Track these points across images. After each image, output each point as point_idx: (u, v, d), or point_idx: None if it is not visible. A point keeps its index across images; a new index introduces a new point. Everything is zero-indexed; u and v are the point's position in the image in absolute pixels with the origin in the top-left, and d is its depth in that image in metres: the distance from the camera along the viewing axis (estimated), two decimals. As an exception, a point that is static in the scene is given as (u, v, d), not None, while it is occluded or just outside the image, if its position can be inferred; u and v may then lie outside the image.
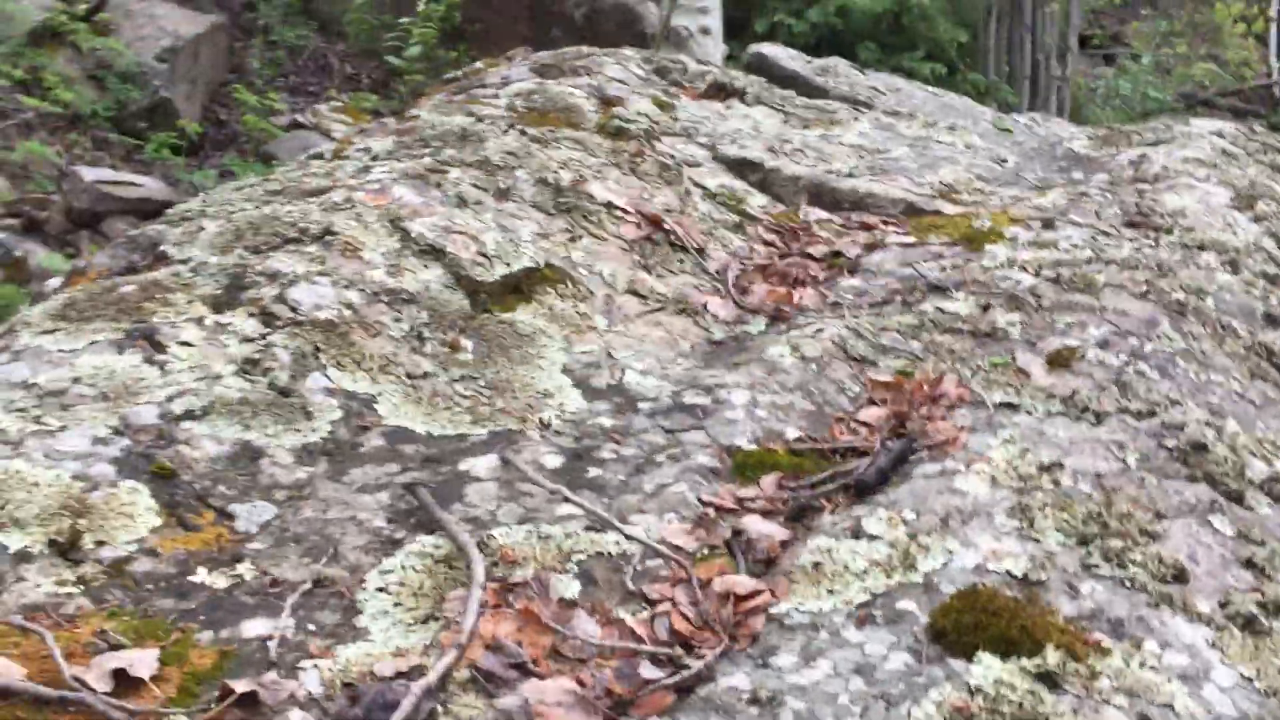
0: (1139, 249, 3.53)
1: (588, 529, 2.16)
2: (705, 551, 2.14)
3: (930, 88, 5.98)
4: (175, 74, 10.09)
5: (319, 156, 3.82)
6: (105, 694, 1.64)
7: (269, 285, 2.77)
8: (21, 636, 1.75)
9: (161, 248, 3.02)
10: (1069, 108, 14.70)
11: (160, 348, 2.54)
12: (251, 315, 2.68)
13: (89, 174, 8.64)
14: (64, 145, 9.21)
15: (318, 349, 2.62)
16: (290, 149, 10.29)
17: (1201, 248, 3.56)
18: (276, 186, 3.38)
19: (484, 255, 3.13)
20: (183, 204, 3.40)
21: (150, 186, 8.96)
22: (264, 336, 2.61)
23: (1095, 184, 4.34)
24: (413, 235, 3.09)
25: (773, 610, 1.92)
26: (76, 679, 1.64)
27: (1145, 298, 3.13)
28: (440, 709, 1.67)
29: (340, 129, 10.45)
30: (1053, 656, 1.72)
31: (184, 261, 2.90)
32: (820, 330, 3.07)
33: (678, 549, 2.11)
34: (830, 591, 1.96)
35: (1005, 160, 4.80)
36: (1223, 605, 1.94)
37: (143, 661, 1.71)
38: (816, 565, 2.04)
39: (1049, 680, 1.70)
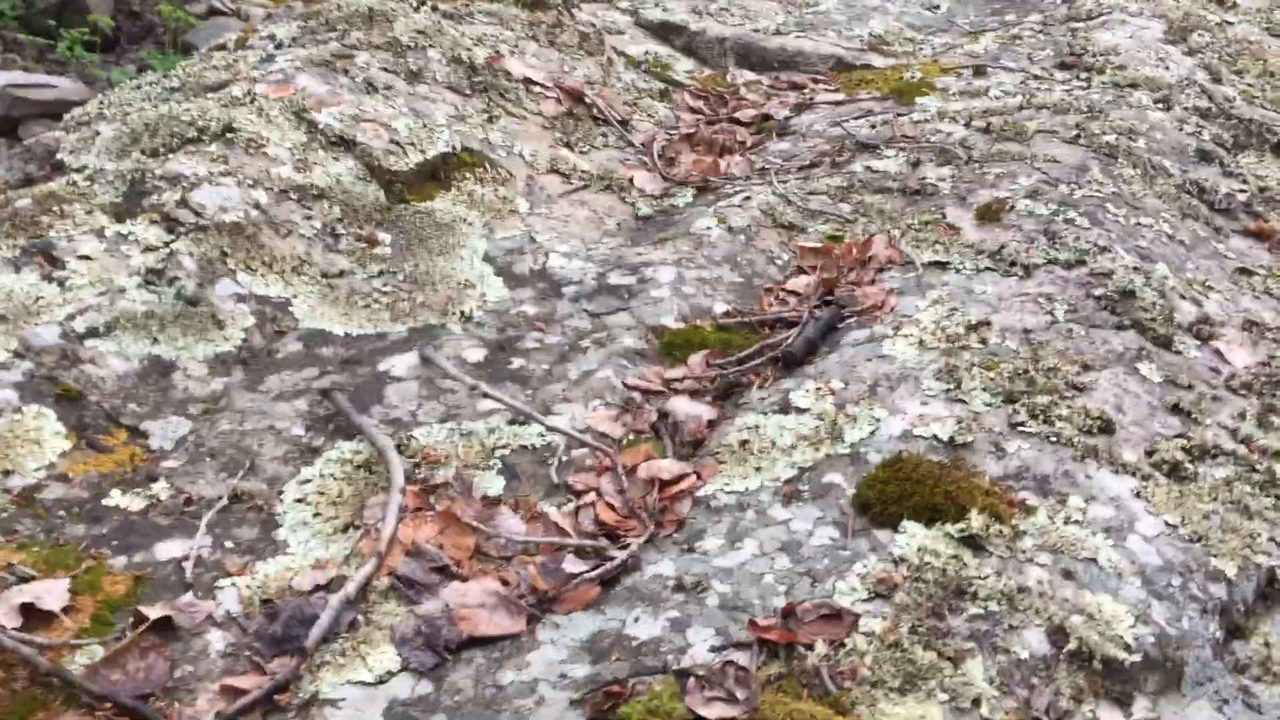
0: (1070, 91, 3.46)
1: (511, 423, 2.12)
2: (631, 437, 2.11)
3: (860, -67, 5.77)
4: (81, -35, 9.60)
5: (222, 48, 3.64)
6: (14, 629, 1.60)
7: (170, 190, 2.65)
8: (-74, 577, 1.70)
9: (58, 156, 2.88)
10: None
11: (59, 263, 2.43)
12: (153, 223, 2.57)
13: (0, 78, 8.29)
14: (-30, 49, 8.80)
15: (225, 253, 2.52)
16: (210, 37, 9.90)
17: (1134, 86, 3.49)
18: (176, 83, 3.22)
19: (397, 143, 3.01)
20: (79, 108, 3.24)
21: (65, 87, 8.61)
22: (167, 244, 2.51)
23: (1028, 26, 4.24)
24: (320, 127, 2.96)
25: (699, 493, 1.90)
26: (-17, 617, 1.60)
27: (1075, 143, 3.07)
28: (361, 619, 1.65)
29: (261, 12, 10.05)
30: (977, 520, 1.71)
31: (80, 170, 2.77)
32: (748, 199, 3.00)
33: (603, 437, 2.08)
34: (757, 469, 1.94)
35: (937, 6, 4.66)
36: (1149, 454, 1.94)
37: (52, 593, 1.66)
38: (744, 444, 2.01)
39: (973, 544, 1.69)
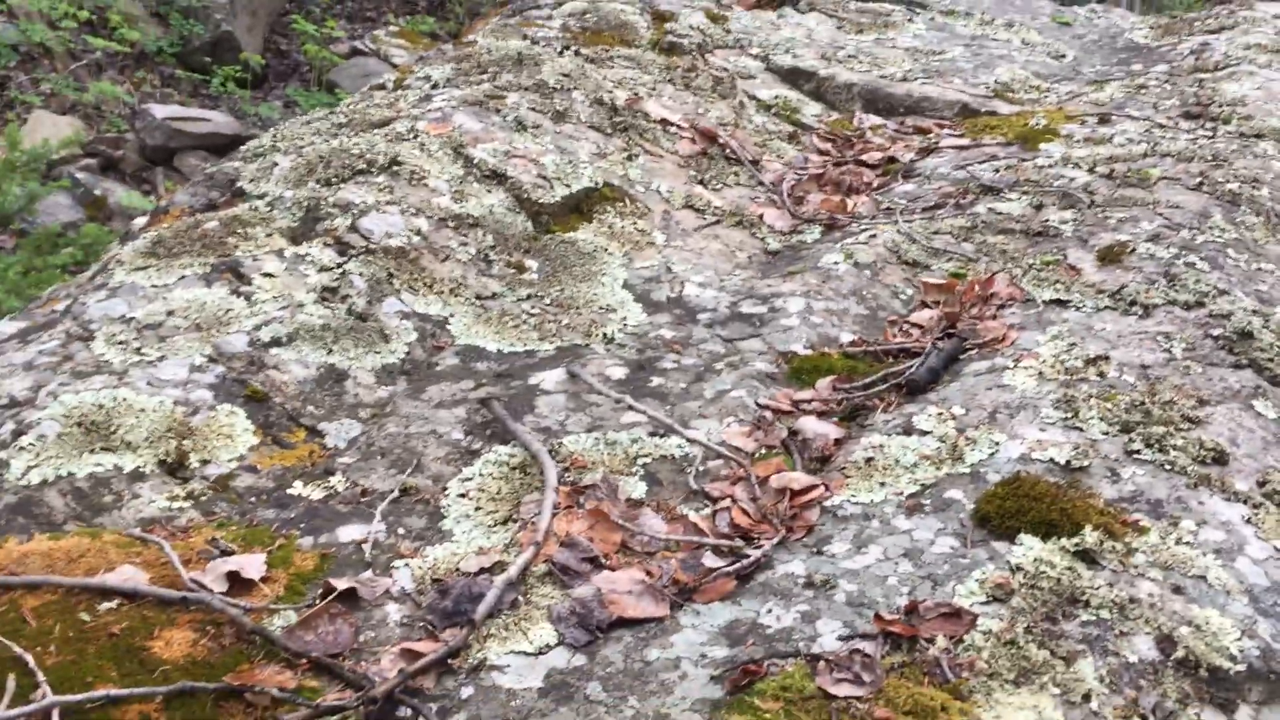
0: (1195, 140, 3.53)
1: (652, 434, 2.29)
2: (763, 451, 2.27)
3: (987, -17, 5.89)
4: (236, 7, 10.23)
5: (381, 87, 3.93)
6: (221, 594, 1.83)
7: (342, 216, 2.91)
8: (142, 546, 1.94)
9: (238, 184, 3.17)
10: (1140, -8, 14.25)
11: (245, 279, 2.70)
12: (327, 245, 2.82)
13: (160, 111, 8.86)
14: (133, 84, 9.44)
15: (391, 275, 2.76)
16: (352, 76, 10.42)
17: (1259, 136, 3.55)
18: (343, 119, 3.50)
19: (544, 177, 3.24)
20: (254, 140, 3.54)
21: (218, 120, 9.17)
22: (340, 265, 2.76)
23: (1154, 75, 4.31)
24: (475, 161, 3.21)
25: (827, 503, 2.05)
26: (195, 581, 1.83)
27: (1199, 190, 3.15)
28: (521, 599, 1.83)
29: (400, 53, 10.54)
30: (1091, 536, 1.83)
31: (260, 196, 3.05)
32: (874, 236, 3.15)
33: (737, 450, 2.24)
34: (882, 484, 2.08)
35: (1063, 55, 4.76)
36: (1260, 484, 2.02)
37: (252, 564, 1.88)
38: (869, 460, 2.15)
39: (1086, 557, 1.81)
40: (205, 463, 2.23)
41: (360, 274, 2.74)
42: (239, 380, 2.43)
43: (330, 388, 2.48)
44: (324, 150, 3.22)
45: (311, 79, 10.12)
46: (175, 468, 2.21)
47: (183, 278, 2.71)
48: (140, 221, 3.46)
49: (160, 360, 2.46)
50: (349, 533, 2.04)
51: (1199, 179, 3.19)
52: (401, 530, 2.06)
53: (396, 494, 2.14)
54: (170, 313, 2.60)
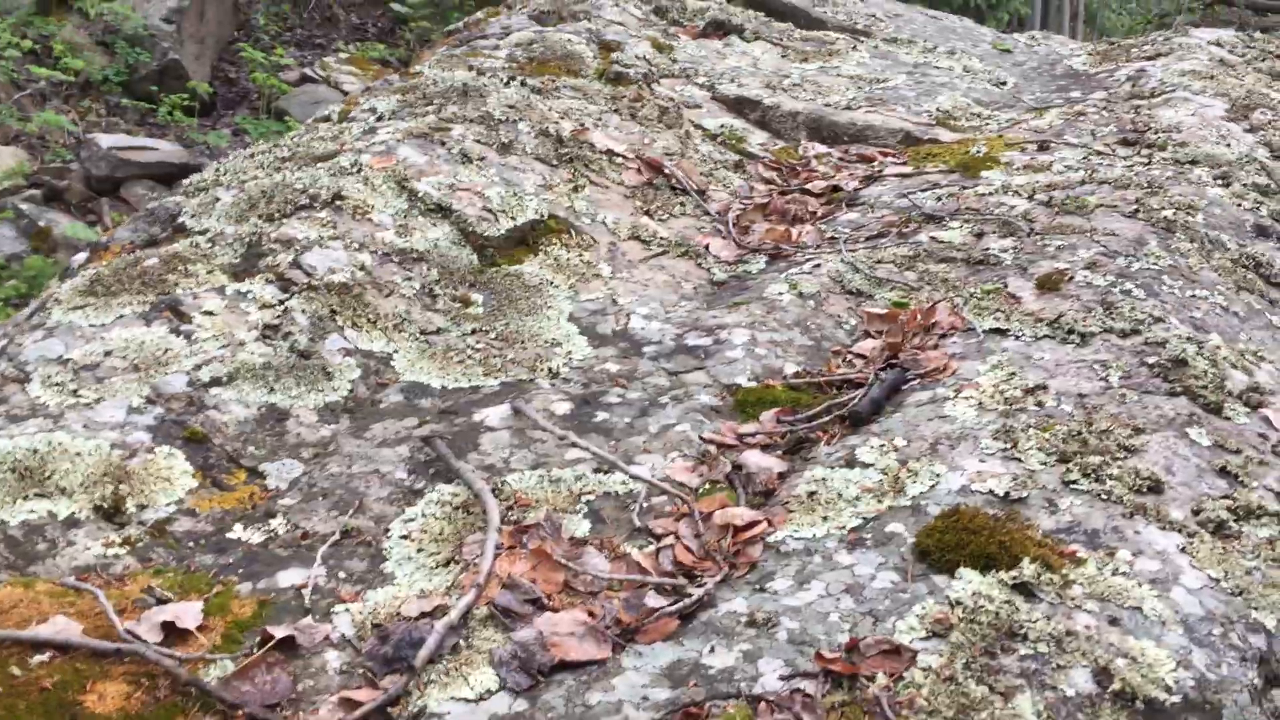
0: (1131, 167, 3.59)
1: (596, 471, 2.29)
2: (707, 486, 2.27)
3: (930, 11, 5.99)
4: (183, 35, 10.15)
5: (326, 119, 3.92)
6: (156, 644, 1.80)
7: (284, 252, 2.89)
8: (76, 596, 1.91)
9: (180, 219, 3.14)
10: (1083, 15, 14.52)
11: (185, 318, 2.67)
12: (269, 282, 2.80)
13: (105, 140, 8.76)
14: (78, 113, 9.33)
15: (334, 311, 2.74)
16: (302, 103, 10.37)
17: (1194, 162, 3.62)
18: (286, 152, 3.48)
19: (489, 210, 3.23)
20: (197, 175, 3.51)
21: (165, 150, 9.08)
22: (282, 302, 2.74)
23: (1092, 102, 4.39)
24: (419, 195, 3.20)
25: (770, 539, 2.05)
26: (129, 632, 1.80)
27: (1135, 217, 3.20)
28: (463, 643, 1.82)
29: (349, 80, 10.51)
30: (1029, 569, 1.84)
31: (202, 232, 3.02)
32: (818, 266, 3.17)
33: (681, 485, 2.24)
34: (824, 518, 2.09)
35: (1004, 82, 4.83)
36: (1195, 513, 2.05)
37: (188, 613, 1.86)
38: (811, 494, 2.16)
39: (1024, 590, 1.82)
40: (142, 507, 2.20)
41: (303, 311, 2.72)
42: (178, 421, 2.40)
43: (271, 427, 2.45)
44: (267, 185, 3.19)
45: (260, 106, 10.06)
46: (112, 513, 2.17)
47: (121, 316, 2.68)
48: (80, 258, 3.42)
49: (97, 402, 2.42)
50: (289, 577, 2.01)
51: (1135, 206, 3.24)
52: (343, 574, 2.04)
53: (338, 536, 2.12)
54: (108, 353, 2.56)
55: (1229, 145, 3.77)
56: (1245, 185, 3.49)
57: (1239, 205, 3.38)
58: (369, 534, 2.14)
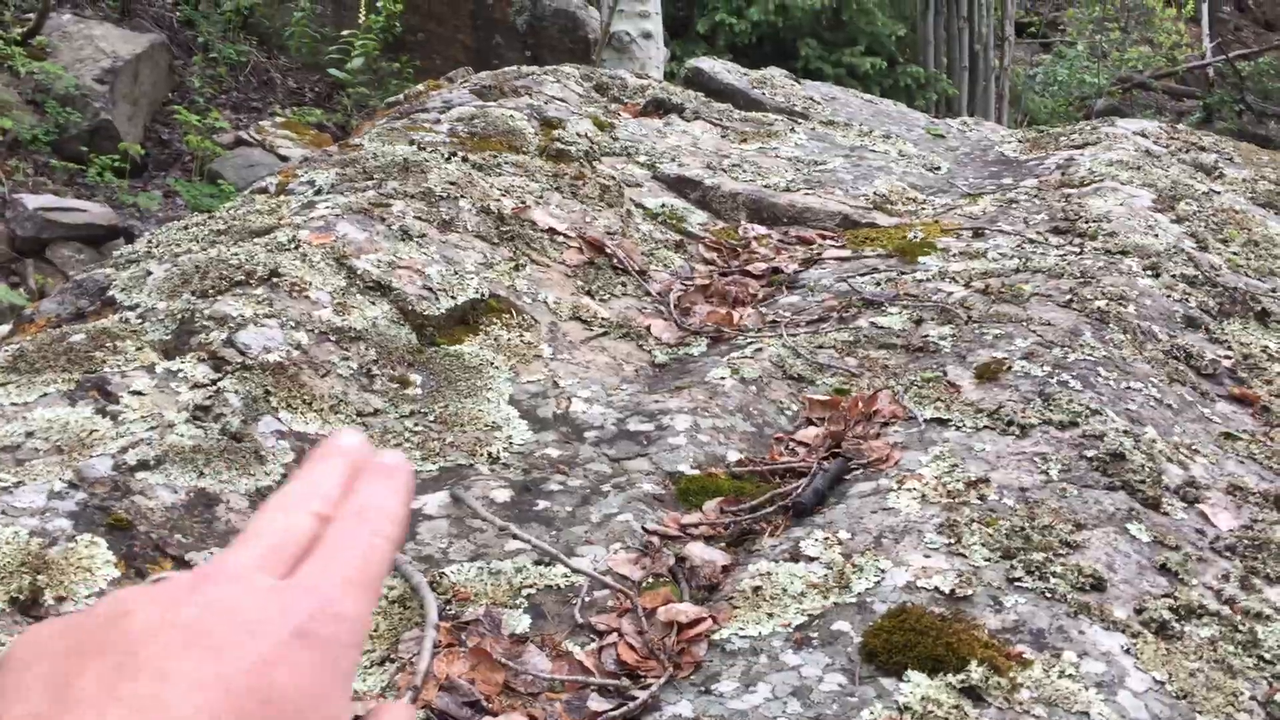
0: (1064, 256, 3.66)
1: (537, 563, 2.24)
2: (651, 580, 2.23)
3: (865, 95, 6.11)
4: (116, 95, 10.03)
5: (263, 190, 3.87)
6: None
7: (218, 329, 2.82)
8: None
9: (109, 293, 3.06)
10: (1008, 97, 14.95)
11: (112, 398, 2.58)
12: (201, 361, 2.73)
13: (32, 201, 8.58)
14: (4, 172, 9.14)
15: (268, 392, 2.68)
16: (236, 166, 10.27)
17: (1124, 253, 3.70)
18: (222, 225, 3.42)
19: (429, 289, 3.20)
20: (129, 246, 3.43)
21: (94, 211, 8.92)
22: (214, 382, 2.67)
23: (1024, 189, 4.48)
24: (358, 272, 3.15)
25: (715, 636, 2.02)
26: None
27: (1069, 306, 3.25)
28: (398, 751, 1.75)
29: (285, 144, 10.44)
30: (976, 672, 1.83)
31: (132, 308, 2.94)
32: (759, 350, 3.17)
33: (624, 579, 2.20)
34: (770, 615, 2.06)
35: (938, 167, 4.93)
36: (1138, 612, 2.06)
37: (108, 718, 1.77)
38: (757, 589, 2.13)
39: (973, 695, 1.81)
40: (61, 599, 2.10)
41: (235, 391, 2.65)
42: (101, 507, 2.31)
43: (200, 514, 2.37)
44: (201, 259, 3.13)
45: (194, 169, 9.94)
46: (29, 605, 2.07)
47: (45, 395, 2.59)
48: (2, 330, 3.31)
49: (17, 486, 2.32)
50: (215, 678, 1.93)
51: (1069, 296, 3.30)
52: (272, 673, 1.96)
53: (268, 632, 2.04)
54: (30, 434, 2.47)
55: (1157, 235, 3.86)
56: (1174, 276, 3.57)
57: (1168, 296, 3.45)
58: (301, 630, 2.06)
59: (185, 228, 3.50)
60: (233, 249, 3.17)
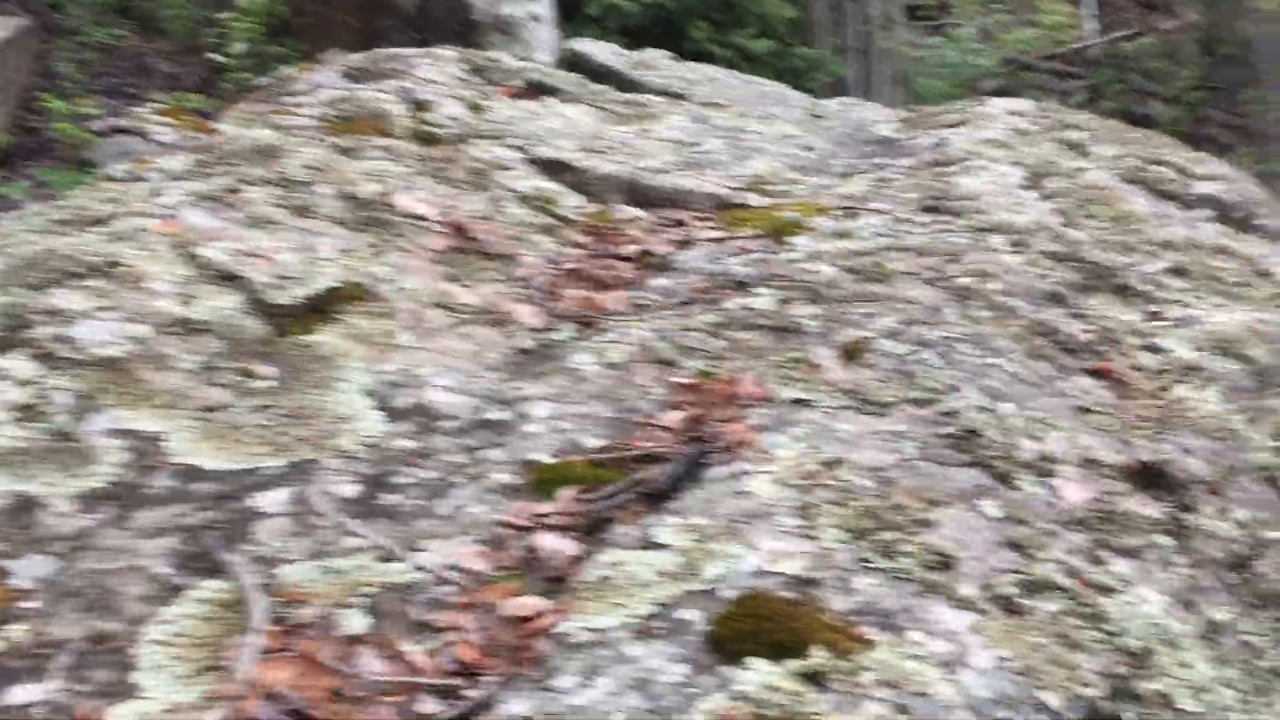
0: (933, 234, 3.66)
1: (379, 560, 2.16)
2: (499, 573, 2.16)
3: (745, 76, 6.09)
4: (-20, 82, 9.60)
5: (110, 178, 3.69)
6: None
7: (49, 324, 2.67)
8: None
9: (-64, 288, 2.88)
10: (898, 79, 15.13)
11: (-72, 399, 2.43)
12: (30, 357, 2.59)
13: (-112, 192, 8.17)
14: None
15: (101, 388, 2.54)
16: (112, 154, 9.90)
17: (992, 230, 3.71)
18: (63, 215, 3.25)
19: (282, 277, 3.08)
20: (-38, 239, 3.25)
21: (-42, 202, 8.52)
22: (42, 379, 2.53)
23: (898, 169, 4.49)
24: (205, 261, 3.02)
25: (558, 629, 1.95)
26: None
27: (934, 284, 3.25)
28: (213, 765, 1.66)
29: (164, 131, 10.10)
30: (818, 656, 1.79)
31: (-43, 303, 2.78)
32: (627, 334, 3.11)
33: (469, 573, 2.13)
34: (616, 605, 2.00)
35: (814, 148, 4.92)
36: (985, 589, 2.05)
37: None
38: (605, 579, 2.08)
39: (814, 680, 1.77)
40: None
41: (64, 389, 2.51)
42: (-90, 516, 2.17)
43: (21, 519, 2.24)
44: (34, 251, 2.97)
45: (65, 157, 9.56)
46: None
47: None
48: None
49: None
50: (21, 694, 1.81)
51: (934, 273, 3.30)
52: (85, 687, 1.85)
53: (85, 642, 1.93)
54: None
55: (1024, 213, 3.89)
56: (1039, 252, 3.59)
57: (1032, 272, 3.47)
58: (121, 638, 1.96)
59: (20, 218, 3.32)
60: (69, 238, 3.02)
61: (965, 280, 3.27)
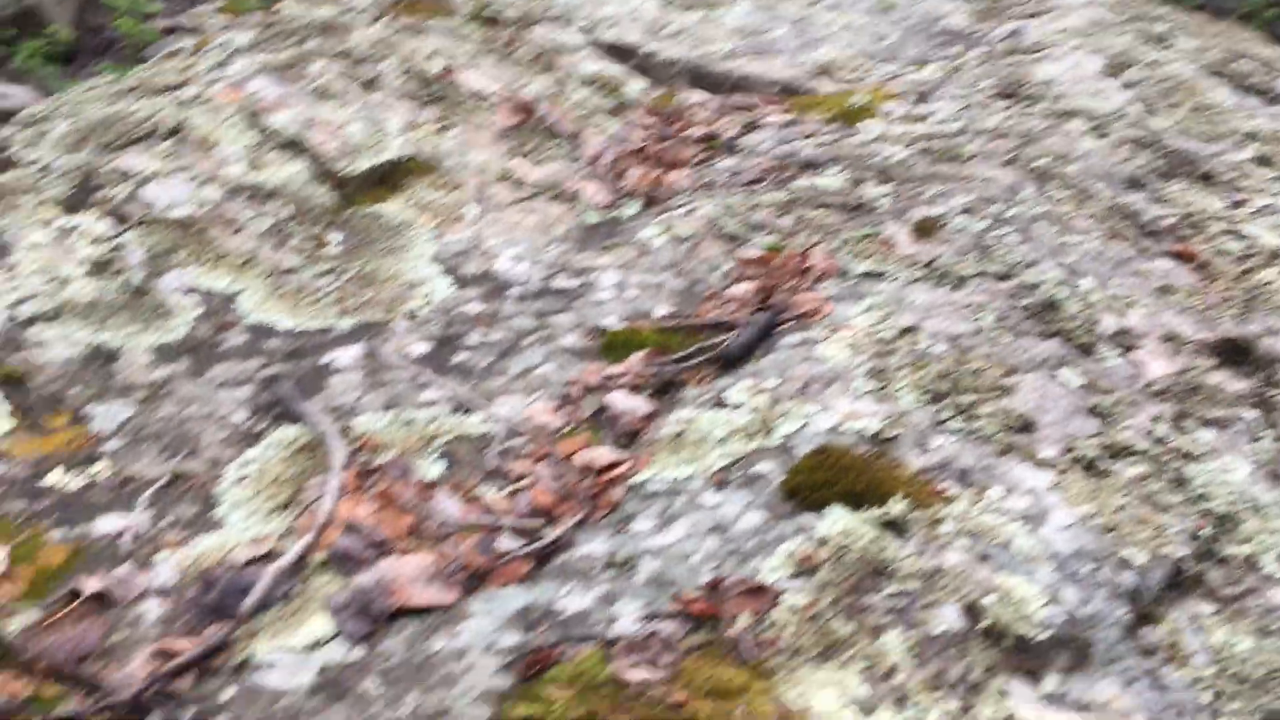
0: (1008, 119, 3.56)
1: (453, 412, 2.16)
2: (570, 428, 2.15)
3: (813, -33, 5.91)
4: (39, -21, 9.59)
5: (176, 53, 3.68)
6: (-51, 596, 1.62)
7: (120, 184, 2.68)
8: None
9: (8, 152, 2.90)
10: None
11: (6, 251, 2.45)
12: (103, 216, 2.59)
13: (-47, 87, 8.24)
14: (-77, 58, 8.75)
15: (173, 247, 2.55)
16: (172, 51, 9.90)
17: (1070, 115, 3.60)
18: (131, 84, 3.25)
19: (349, 148, 3.05)
20: (31, 108, 3.26)
21: (23, 97, 8.57)
22: (116, 237, 2.54)
23: (971, 58, 4.36)
24: (273, 129, 3.00)
25: (633, 480, 1.95)
26: (-83, 583, 1.61)
27: (1010, 165, 3.17)
28: (296, 590, 1.68)
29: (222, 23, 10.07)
30: (898, 505, 1.77)
31: (32, 164, 2.79)
32: (693, 211, 3.07)
33: (541, 427, 2.12)
34: (690, 459, 1.99)
35: (885, 37, 4.79)
36: (1067, 451, 2.01)
37: (-12, 562, 1.68)
38: (678, 435, 2.06)
39: (894, 528, 1.75)
40: (-52, 451, 1.99)
41: (138, 246, 2.52)
42: (-8, 361, 2.19)
43: (99, 368, 2.26)
44: (105, 114, 2.96)
45: (127, 55, 9.57)
46: (-88, 457, 1.97)
47: (-66, 251, 2.45)
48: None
49: (-100, 340, 2.20)
50: (108, 524, 1.84)
51: (1010, 155, 3.21)
52: (169, 520, 1.87)
53: (166, 481, 1.95)
54: (-84, 288, 2.34)
55: (1104, 99, 3.77)
56: (1119, 138, 3.49)
57: (1112, 157, 3.37)
58: (201, 478, 1.98)
59: (91, 88, 3.32)
60: (139, 103, 3.01)
61: (1043, 162, 3.18)
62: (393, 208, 2.94)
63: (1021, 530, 1.79)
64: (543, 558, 1.76)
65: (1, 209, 2.58)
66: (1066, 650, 1.64)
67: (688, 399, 2.23)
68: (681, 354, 2.40)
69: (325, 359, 2.32)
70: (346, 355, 2.33)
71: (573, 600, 1.64)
